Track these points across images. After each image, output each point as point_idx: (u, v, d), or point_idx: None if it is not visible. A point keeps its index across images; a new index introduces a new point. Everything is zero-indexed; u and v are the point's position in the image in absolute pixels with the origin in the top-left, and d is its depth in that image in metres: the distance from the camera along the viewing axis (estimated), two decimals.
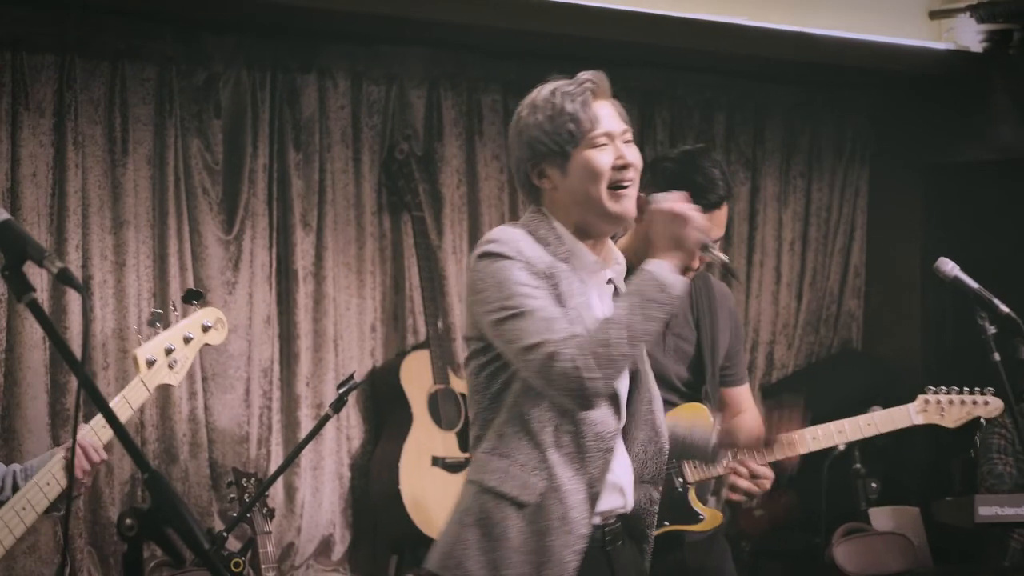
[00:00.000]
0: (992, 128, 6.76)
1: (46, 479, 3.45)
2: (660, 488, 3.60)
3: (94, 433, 3.44)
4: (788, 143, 6.96)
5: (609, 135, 3.37)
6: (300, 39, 5.74)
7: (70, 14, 5.24)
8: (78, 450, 3.54)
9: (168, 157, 5.39)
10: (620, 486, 3.49)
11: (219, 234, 5.52)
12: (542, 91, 3.42)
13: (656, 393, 3.58)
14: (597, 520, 3.47)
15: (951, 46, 6.60)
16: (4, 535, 3.40)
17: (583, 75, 3.45)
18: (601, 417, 3.40)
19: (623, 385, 3.57)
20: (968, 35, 6.56)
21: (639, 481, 3.53)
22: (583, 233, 3.42)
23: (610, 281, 3.54)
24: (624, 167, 3.35)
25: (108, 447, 5.35)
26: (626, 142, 3.42)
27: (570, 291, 3.38)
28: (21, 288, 2.77)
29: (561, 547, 3.36)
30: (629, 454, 3.52)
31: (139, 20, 5.39)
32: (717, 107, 6.75)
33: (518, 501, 3.36)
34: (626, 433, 3.50)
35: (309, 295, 5.76)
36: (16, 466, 3.66)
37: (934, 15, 6.60)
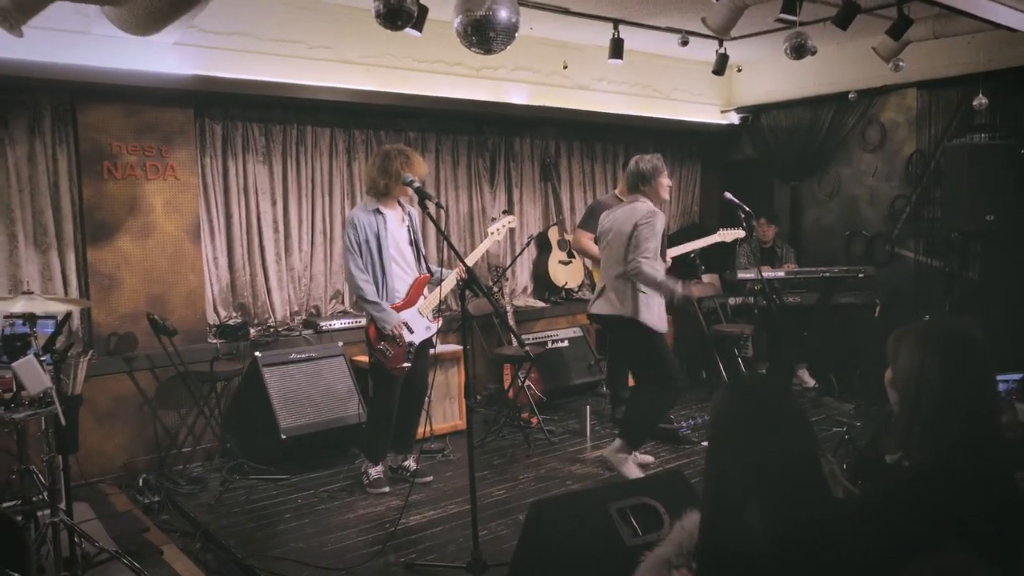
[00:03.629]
0: (741, 149, 7.21)
1: (449, 278, 3.71)
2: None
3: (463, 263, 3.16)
4: (675, 157, 7.30)
5: (666, 175, 3.97)
6: (513, 127, 6.07)
7: (441, 121, 5.54)
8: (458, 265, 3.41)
9: (473, 166, 6.00)
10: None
11: (488, 192, 6.10)
12: (649, 158, 3.93)
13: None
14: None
15: (728, 121, 7.01)
16: (433, 302, 3.68)
17: (659, 157, 3.92)
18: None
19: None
20: (734, 118, 7.03)
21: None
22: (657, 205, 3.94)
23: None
24: (668, 185, 3.93)
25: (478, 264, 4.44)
26: (668, 176, 3.95)
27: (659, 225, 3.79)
28: (424, 207, 3.08)
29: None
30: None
31: (461, 123, 5.69)
32: (649, 146, 6.61)
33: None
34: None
35: (519, 211, 6.29)
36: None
37: (723, 111, 7.02)
